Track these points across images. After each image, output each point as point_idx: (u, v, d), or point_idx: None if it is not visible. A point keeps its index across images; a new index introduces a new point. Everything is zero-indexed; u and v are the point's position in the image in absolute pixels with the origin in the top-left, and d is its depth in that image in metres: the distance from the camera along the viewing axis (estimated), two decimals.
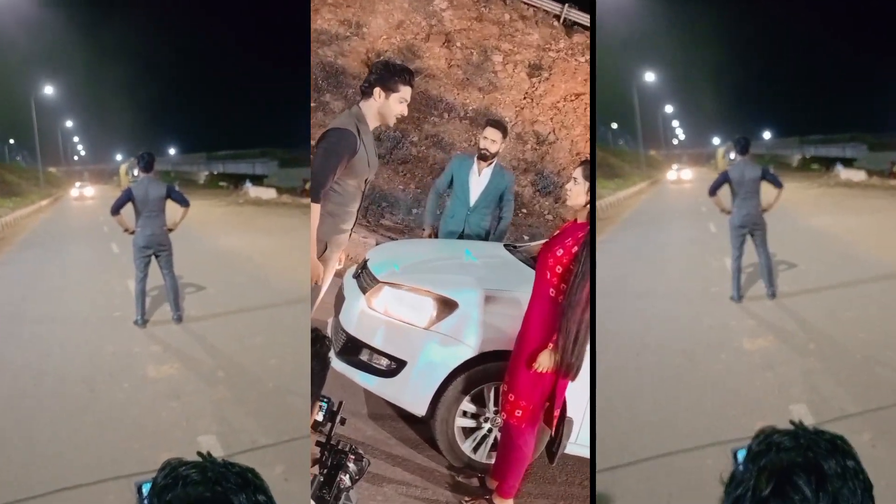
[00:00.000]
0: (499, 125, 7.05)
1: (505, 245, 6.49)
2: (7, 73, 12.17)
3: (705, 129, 16.79)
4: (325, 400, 2.82)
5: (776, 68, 14.57)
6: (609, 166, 16.44)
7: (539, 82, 13.09)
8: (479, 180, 6.85)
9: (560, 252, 4.41)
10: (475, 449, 5.23)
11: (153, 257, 8.56)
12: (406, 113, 4.88)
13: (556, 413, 4.58)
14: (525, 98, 12.99)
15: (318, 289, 4.82)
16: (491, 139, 6.81)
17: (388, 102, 4.74)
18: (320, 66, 11.94)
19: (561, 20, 14.17)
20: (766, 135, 16.32)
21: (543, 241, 4.82)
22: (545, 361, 4.41)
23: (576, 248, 4.35)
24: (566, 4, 14.16)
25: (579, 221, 4.51)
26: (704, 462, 5.46)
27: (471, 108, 12.73)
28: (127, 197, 8.48)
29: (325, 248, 4.79)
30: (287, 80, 11.05)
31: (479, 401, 5.17)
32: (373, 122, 4.81)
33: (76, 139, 14.80)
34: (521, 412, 4.56)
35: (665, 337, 7.98)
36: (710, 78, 14.95)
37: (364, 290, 5.40)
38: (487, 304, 5.08)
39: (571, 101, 13.17)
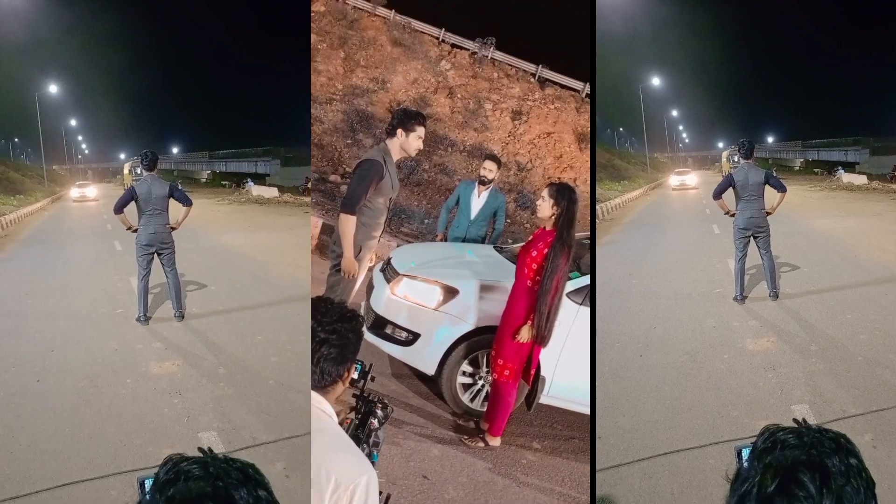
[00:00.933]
0: (495, 159, 8.52)
1: (494, 247, 7.83)
2: (12, 71, 12.19)
3: (709, 132, 17.13)
4: (360, 363, 3.28)
5: (780, 73, 14.62)
6: (615, 168, 16.65)
7: (519, 124, 16.53)
8: (478, 200, 8.32)
9: (534, 253, 5.68)
10: (472, 400, 6.45)
11: (156, 255, 8.57)
12: (422, 147, 5.99)
13: (532, 372, 5.84)
14: (509, 136, 16.32)
15: (354, 281, 5.90)
16: (489, 169, 8.30)
17: (407, 139, 5.85)
18: (355, 112, 14.74)
19: (536, 77, 17.89)
20: (770, 139, 16.56)
21: (522, 244, 6.10)
22: (525, 334, 5.66)
23: (546, 250, 5.62)
24: (540, 65, 17.84)
25: (547, 229, 5.77)
26: (707, 461, 5.49)
27: (468, 143, 15.83)
28: (130, 195, 8.48)
29: (360, 251, 5.85)
30: (289, 80, 11.09)
31: (475, 363, 6.42)
32: (396, 155, 5.89)
33: (80, 138, 14.84)
34: (508, 372, 5.78)
35: (668, 337, 8.00)
36: (715, 82, 15.06)
37: (388, 281, 6.68)
38: (482, 291, 6.32)
39: (544, 138, 16.36)
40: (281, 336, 8.29)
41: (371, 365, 3.45)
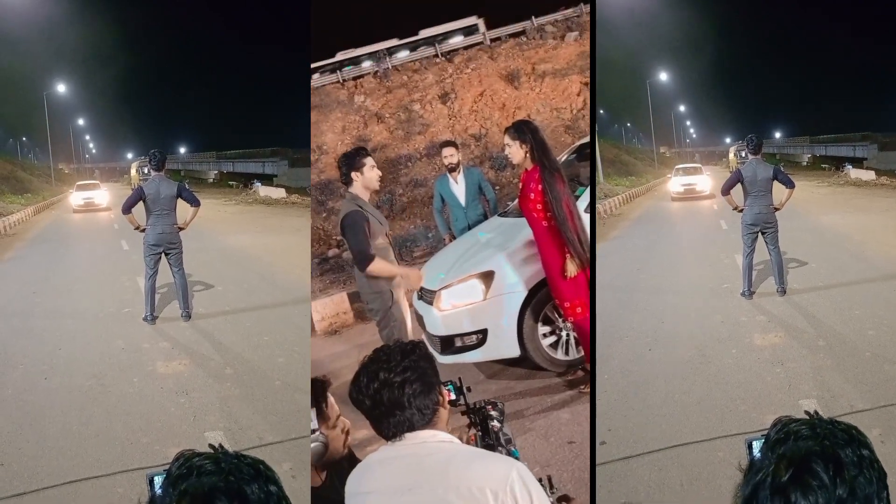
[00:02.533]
0: (450, 143, 8.77)
1: (498, 215, 8.14)
2: (21, 70, 12.22)
3: (717, 128, 16.61)
4: (449, 383, 3.27)
5: (788, 68, 14.47)
6: (622, 164, 16.41)
7: (453, 103, 16.71)
8: (459, 187, 8.45)
9: (532, 195, 5.88)
10: (566, 353, 6.60)
11: (163, 255, 8.55)
12: (380, 174, 6.06)
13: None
14: (451, 119, 16.47)
15: (403, 323, 5.92)
16: (449, 155, 8.46)
17: (364, 176, 5.87)
18: (315, 186, 14.95)
19: (439, 56, 18.22)
20: (777, 134, 16.11)
21: (518, 197, 6.31)
22: (571, 267, 5.84)
23: (540, 186, 5.83)
24: (435, 45, 18.27)
25: (529, 169, 5.96)
26: (716, 454, 5.49)
27: (421, 149, 16.08)
28: (138, 195, 8.49)
29: (391, 296, 5.85)
30: (293, 81, 11.12)
31: (548, 321, 6.55)
32: (365, 196, 5.93)
33: (87, 137, 14.86)
34: (580, 309, 5.93)
35: (676, 332, 8.01)
36: (722, 77, 14.85)
37: (430, 303, 6.78)
38: (511, 257, 6.52)
39: (479, 101, 16.56)
40: (288, 337, 8.28)
41: (460, 378, 3.42)
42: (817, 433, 1.70)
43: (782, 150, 16.55)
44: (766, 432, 1.92)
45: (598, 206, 13.50)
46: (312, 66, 17.15)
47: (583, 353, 6.33)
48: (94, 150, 15.13)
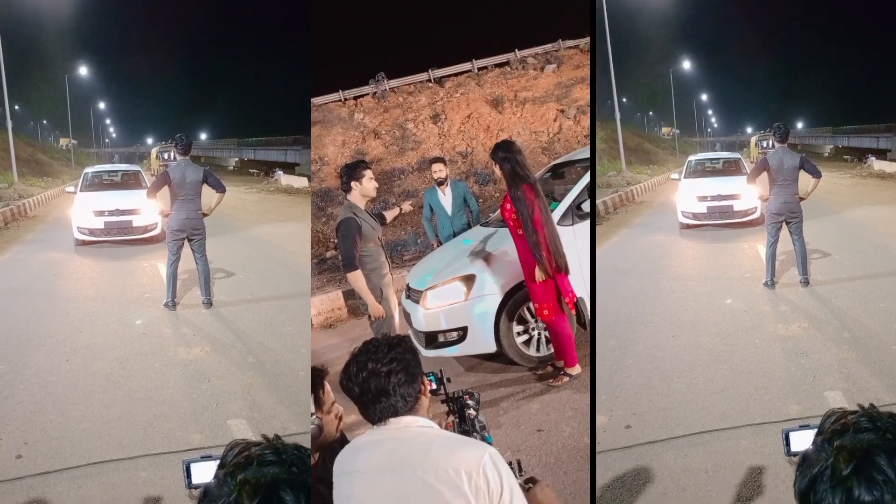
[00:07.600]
0: (439, 159, 9.59)
1: (480, 225, 8.73)
2: (43, 51, 12.24)
3: (738, 117, 16.51)
4: (431, 374, 3.53)
5: (810, 58, 14.35)
6: (644, 152, 16.45)
7: (443, 124, 18.20)
8: (446, 198, 9.20)
9: (509, 206, 6.48)
10: (538, 349, 7.18)
11: (186, 241, 8.49)
12: (377, 185, 6.66)
13: (567, 299, 6.46)
14: (440, 138, 17.86)
15: (391, 318, 6.46)
16: (438, 170, 9.21)
17: (362, 186, 6.39)
18: (315, 194, 15.74)
19: (431, 81, 20.01)
20: (799, 124, 15.93)
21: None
22: (539, 273, 6.39)
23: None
24: (429, 70, 19.97)
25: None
26: (740, 442, 5.47)
27: (413, 164, 17.28)
28: (164, 180, 8.45)
29: (381, 293, 6.38)
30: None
31: (522, 320, 7.13)
32: (362, 204, 6.44)
33: (108, 121, 14.87)
34: (547, 311, 6.49)
35: (700, 319, 7.98)
36: (744, 66, 14.74)
37: (417, 302, 7.34)
38: (492, 262, 7.15)
39: (467, 122, 18.09)
40: (310, 327, 8.29)
41: (441, 370, 3.72)
42: (878, 426, 1.65)
43: (804, 140, 16.36)
44: (802, 423, 1.86)
45: (622, 193, 13.62)
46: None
47: (553, 350, 6.91)
48: (113, 135, 15.14)
